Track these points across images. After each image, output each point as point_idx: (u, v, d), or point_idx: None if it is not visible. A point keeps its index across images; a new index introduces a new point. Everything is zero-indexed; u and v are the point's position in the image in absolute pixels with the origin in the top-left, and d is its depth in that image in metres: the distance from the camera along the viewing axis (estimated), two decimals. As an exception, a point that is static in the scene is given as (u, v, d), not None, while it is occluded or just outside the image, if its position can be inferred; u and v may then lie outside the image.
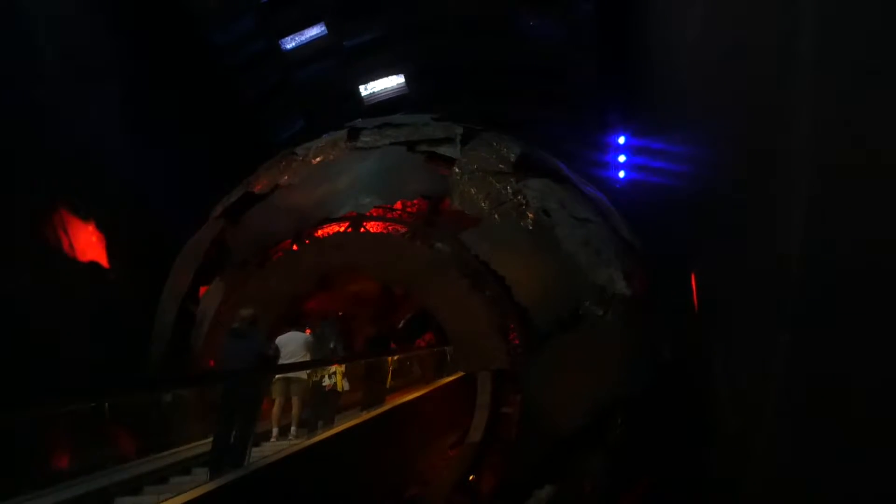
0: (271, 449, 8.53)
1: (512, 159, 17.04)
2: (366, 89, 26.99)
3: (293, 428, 9.79)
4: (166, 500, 6.06)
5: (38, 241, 15.21)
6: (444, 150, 17.17)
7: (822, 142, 7.75)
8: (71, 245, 15.93)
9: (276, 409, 9.70)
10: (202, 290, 16.94)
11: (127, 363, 16.33)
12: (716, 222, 12.51)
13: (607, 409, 14.88)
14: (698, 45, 13.34)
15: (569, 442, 14.51)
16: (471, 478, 14.65)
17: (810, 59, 7.92)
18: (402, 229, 16.45)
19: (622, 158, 23.34)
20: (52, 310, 14.96)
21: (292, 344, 10.09)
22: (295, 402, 9.83)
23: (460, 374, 15.73)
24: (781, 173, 8.90)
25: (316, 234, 16.70)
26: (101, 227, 17.11)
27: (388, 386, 12.64)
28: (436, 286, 15.77)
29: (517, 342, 15.38)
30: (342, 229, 16.61)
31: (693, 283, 14.67)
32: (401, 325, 23.12)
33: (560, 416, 14.55)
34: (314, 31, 24.33)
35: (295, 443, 8.91)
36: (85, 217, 16.61)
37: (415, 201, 16.85)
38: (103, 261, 17.13)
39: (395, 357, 14.06)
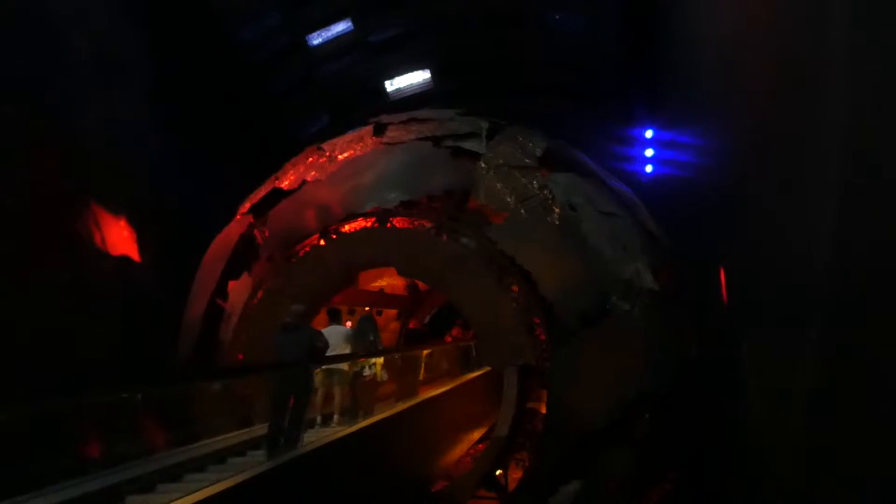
0: (316, 435, 8.94)
1: (538, 154, 17.01)
2: (391, 85, 27.01)
3: (336, 416, 10.19)
4: (230, 476, 6.57)
5: (70, 235, 15.47)
6: (469, 144, 17.16)
7: (855, 135, 7.64)
8: (103, 240, 16.20)
9: (318, 398, 10.05)
10: (231, 284, 17.15)
11: (156, 357, 16.61)
12: (746, 217, 12.37)
13: (633, 404, 14.83)
14: (730, 38, 13.18)
15: (595, 437, 14.50)
16: (497, 472, 14.70)
17: (844, 52, 7.80)
18: (428, 224, 16.47)
19: (649, 153, 23.13)
20: (83, 303, 15.24)
21: (334, 337, 10.58)
22: (337, 391, 10.26)
23: (486, 368, 15.76)
24: (813, 167, 8.79)
25: (342, 230, 16.81)
26: (132, 223, 17.36)
27: (421, 378, 12.88)
28: (461, 281, 15.83)
29: (543, 337, 15.37)
30: (368, 224, 16.72)
31: (722, 278, 14.53)
32: (427, 319, 23.23)
33: (586, 412, 14.53)
34: (340, 27, 24.40)
35: (339, 429, 9.29)
36: (116, 212, 16.87)
37: (440, 196, 16.85)
38: (134, 255, 17.40)
39: (427, 351, 14.20)
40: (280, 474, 7.01)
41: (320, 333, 9.48)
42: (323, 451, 7.93)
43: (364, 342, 11.53)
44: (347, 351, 10.86)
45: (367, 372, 10.55)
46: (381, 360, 10.84)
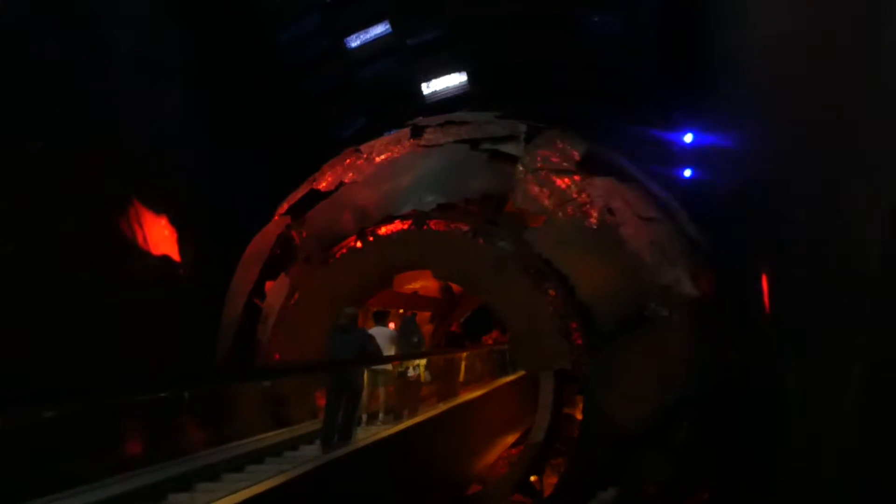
0: (363, 433, 9.36)
1: (576, 157, 16.89)
2: (427, 87, 27.06)
3: (381, 415, 10.50)
4: (293, 468, 7.08)
5: (113, 234, 15.75)
6: (507, 147, 17.10)
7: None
8: (145, 239, 16.45)
9: (364, 397, 10.28)
10: (268, 285, 17.30)
11: (194, 355, 16.82)
12: (790, 221, 12.13)
13: (672, 411, 14.64)
14: (774, 39, 12.95)
15: (632, 444, 14.34)
16: (533, 478, 14.62)
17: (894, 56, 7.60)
18: (465, 227, 16.45)
19: (689, 156, 22.85)
20: (126, 301, 15.49)
21: (379, 338, 10.84)
22: (381, 391, 10.59)
23: (522, 372, 15.70)
24: (860, 169, 8.59)
25: (379, 232, 16.86)
26: (173, 222, 17.61)
27: (461, 380, 13.08)
28: (498, 285, 15.79)
29: (580, 342, 15.27)
30: (405, 227, 16.74)
31: (764, 284, 14.28)
32: (461, 322, 23.22)
33: (623, 418, 14.38)
34: (378, 30, 24.52)
35: (385, 428, 9.67)
36: (158, 212, 17.14)
37: (478, 199, 16.81)
38: (175, 255, 17.64)
39: (466, 354, 14.34)
40: (335, 468, 7.44)
41: (372, 336, 9.77)
42: (372, 447, 8.34)
43: (408, 343, 11.82)
44: (392, 352, 11.18)
45: (410, 373, 10.87)
46: (424, 361, 11.05)
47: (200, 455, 7.85)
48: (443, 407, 11.11)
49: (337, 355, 9.01)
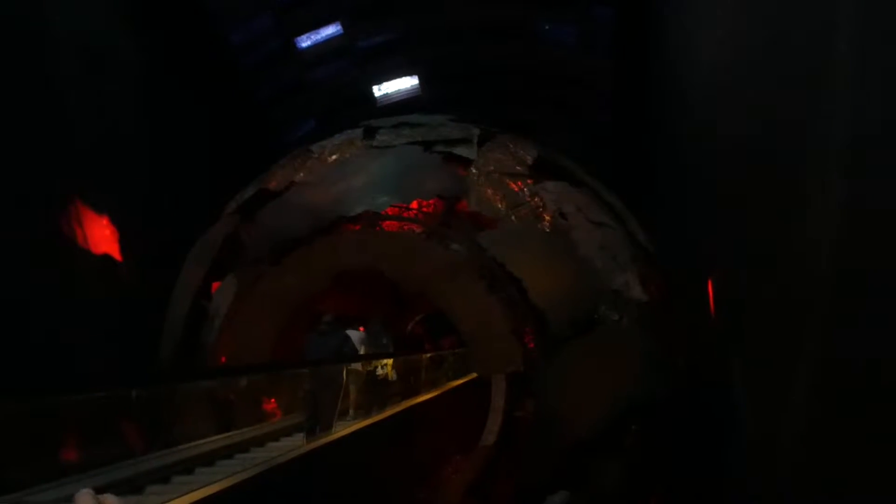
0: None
1: (529, 161, 17.00)
2: (379, 90, 26.93)
3: (351, 411, 11.03)
4: (281, 454, 7.67)
5: (52, 233, 15.12)
6: (460, 150, 17.08)
7: (853, 142, 7.62)
8: (85, 238, 15.84)
9: None
10: (214, 286, 16.87)
11: (138, 358, 16.28)
12: (737, 227, 12.36)
13: (622, 414, 14.81)
14: (724, 49, 13.22)
15: (583, 447, 14.44)
16: (484, 481, 14.56)
17: (846, 53, 7.78)
18: (418, 229, 16.39)
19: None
20: (65, 303, 14.88)
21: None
22: (352, 389, 11.12)
23: (474, 375, 15.70)
24: (808, 172, 8.77)
25: (330, 233, 16.60)
26: (115, 221, 17.01)
27: (422, 379, 13.52)
28: (451, 287, 15.75)
29: (532, 346, 15.32)
30: (357, 228, 16.56)
31: (710, 289, 14.52)
32: (411, 325, 23.10)
33: (574, 422, 14.48)
34: (329, 31, 24.29)
35: (355, 422, 10.27)
36: (99, 210, 16.52)
37: (431, 201, 16.77)
38: (116, 254, 17.03)
39: (428, 356, 14.65)
40: (323, 452, 8.25)
41: (349, 339, 10.76)
42: (353, 435, 9.21)
43: (378, 345, 12.61)
44: (362, 352, 11.88)
45: (379, 372, 11.48)
46: (391, 361, 11.36)
47: (202, 443, 8.35)
48: (406, 404, 11.52)
49: (317, 357, 9.83)
